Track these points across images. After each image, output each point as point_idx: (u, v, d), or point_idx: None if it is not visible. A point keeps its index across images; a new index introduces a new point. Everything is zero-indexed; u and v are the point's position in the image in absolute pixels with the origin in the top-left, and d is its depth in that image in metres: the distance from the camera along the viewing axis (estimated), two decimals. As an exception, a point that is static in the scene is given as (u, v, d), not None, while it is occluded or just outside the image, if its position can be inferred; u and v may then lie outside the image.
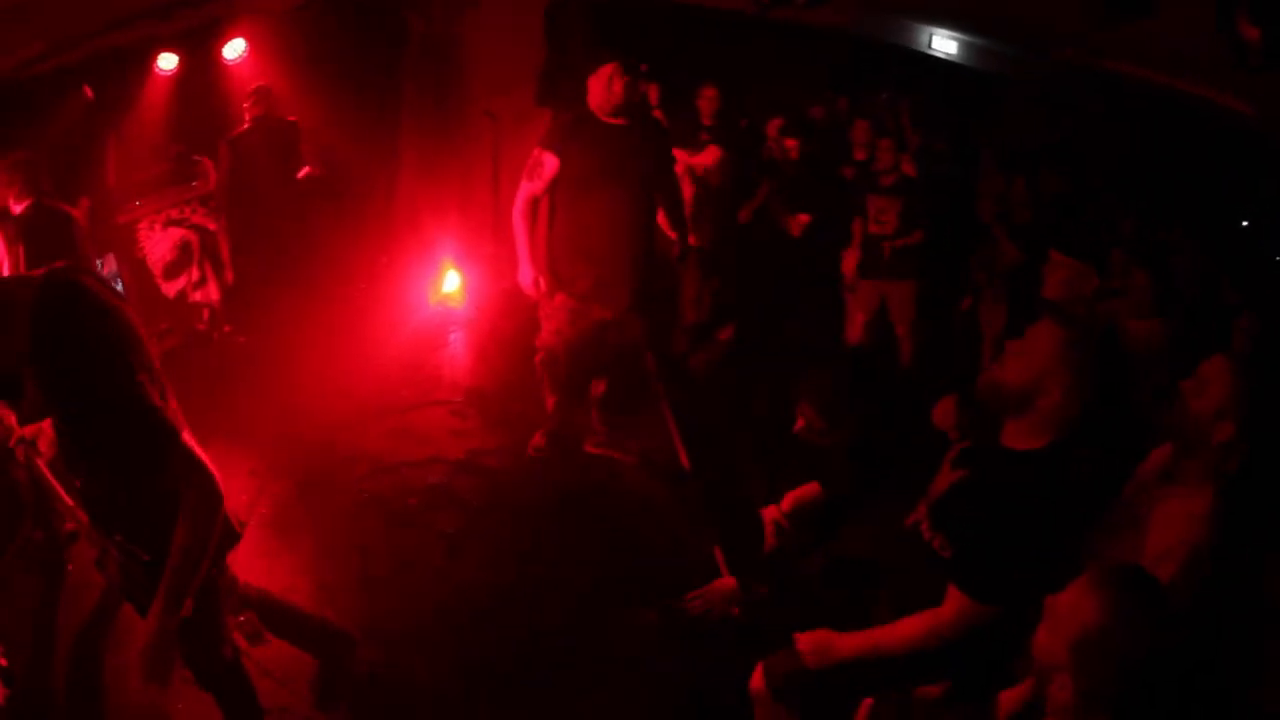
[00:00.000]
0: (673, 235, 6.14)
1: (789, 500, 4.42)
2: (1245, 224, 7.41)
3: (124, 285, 7.38)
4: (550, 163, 5.29)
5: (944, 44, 8.92)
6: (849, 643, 3.18)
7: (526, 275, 5.59)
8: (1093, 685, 2.21)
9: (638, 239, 5.57)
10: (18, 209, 5.22)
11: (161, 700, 4.17)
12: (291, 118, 7.50)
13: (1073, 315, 2.95)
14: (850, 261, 7.35)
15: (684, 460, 6.54)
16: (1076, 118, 8.46)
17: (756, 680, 3.49)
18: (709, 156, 7.64)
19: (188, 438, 2.83)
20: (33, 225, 5.21)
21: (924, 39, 9.05)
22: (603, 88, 5.19)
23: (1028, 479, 2.89)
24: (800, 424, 4.28)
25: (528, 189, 5.45)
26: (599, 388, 6.37)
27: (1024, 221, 7.09)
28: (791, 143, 7.23)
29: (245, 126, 7.32)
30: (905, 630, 3.07)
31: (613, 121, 5.28)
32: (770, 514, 4.44)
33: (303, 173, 7.42)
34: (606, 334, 5.74)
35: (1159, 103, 6.90)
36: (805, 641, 3.26)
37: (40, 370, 2.67)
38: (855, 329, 7.69)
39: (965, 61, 8.79)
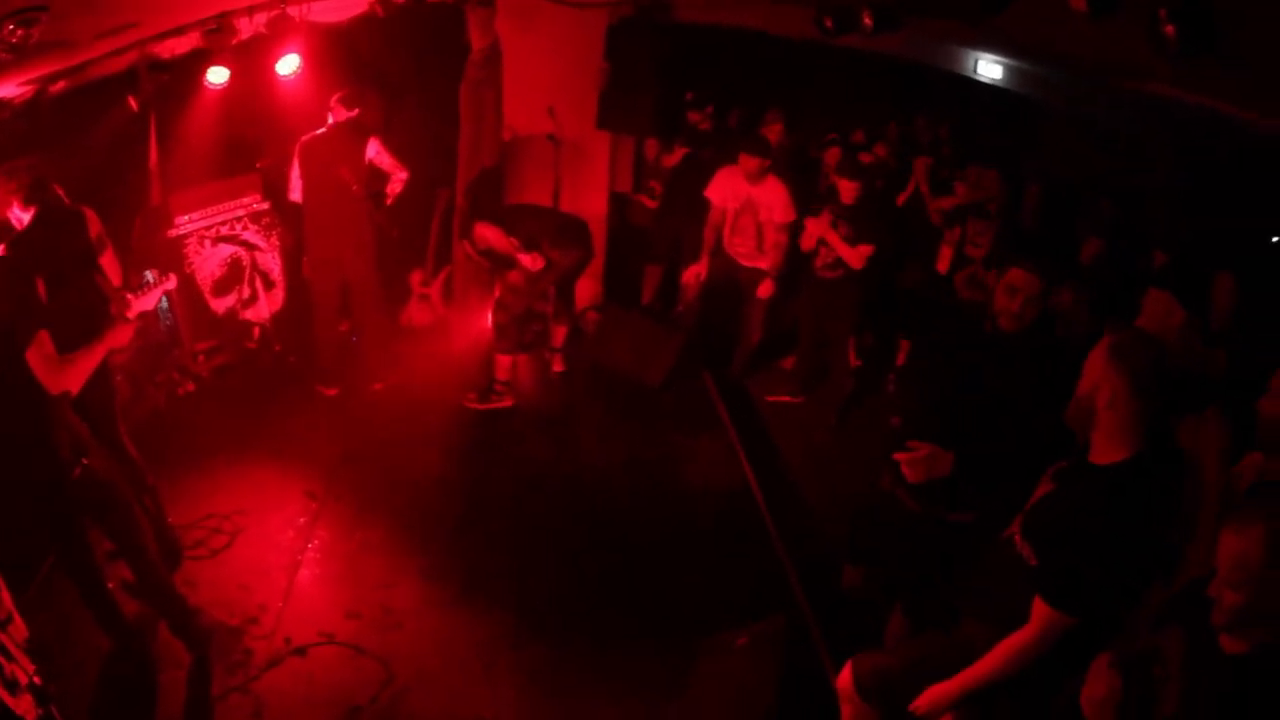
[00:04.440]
0: None
1: None
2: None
3: (171, 301, 7.29)
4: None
5: (989, 69, 8.89)
6: (953, 687, 3.29)
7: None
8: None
9: None
10: (26, 217, 4.78)
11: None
12: (370, 129, 7.35)
13: (1120, 327, 3.27)
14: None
15: (751, 480, 6.56)
16: (1128, 146, 8.44)
17: (844, 678, 3.70)
18: (771, 189, 7.63)
19: None
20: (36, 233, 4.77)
21: (969, 64, 9.03)
22: None
23: (1105, 492, 3.06)
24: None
25: None
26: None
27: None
28: (847, 185, 7.19)
29: (323, 131, 7.10)
30: (997, 660, 3.18)
31: None
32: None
33: (390, 184, 7.31)
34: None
35: (1216, 131, 6.86)
36: (922, 705, 3.37)
37: None
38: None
39: (1011, 86, 8.74)
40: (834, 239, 7.15)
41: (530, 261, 7.14)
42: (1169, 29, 3.40)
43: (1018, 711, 3.28)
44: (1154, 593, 3.25)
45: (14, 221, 4.77)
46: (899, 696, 3.47)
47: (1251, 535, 2.45)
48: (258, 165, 7.89)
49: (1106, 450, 3.10)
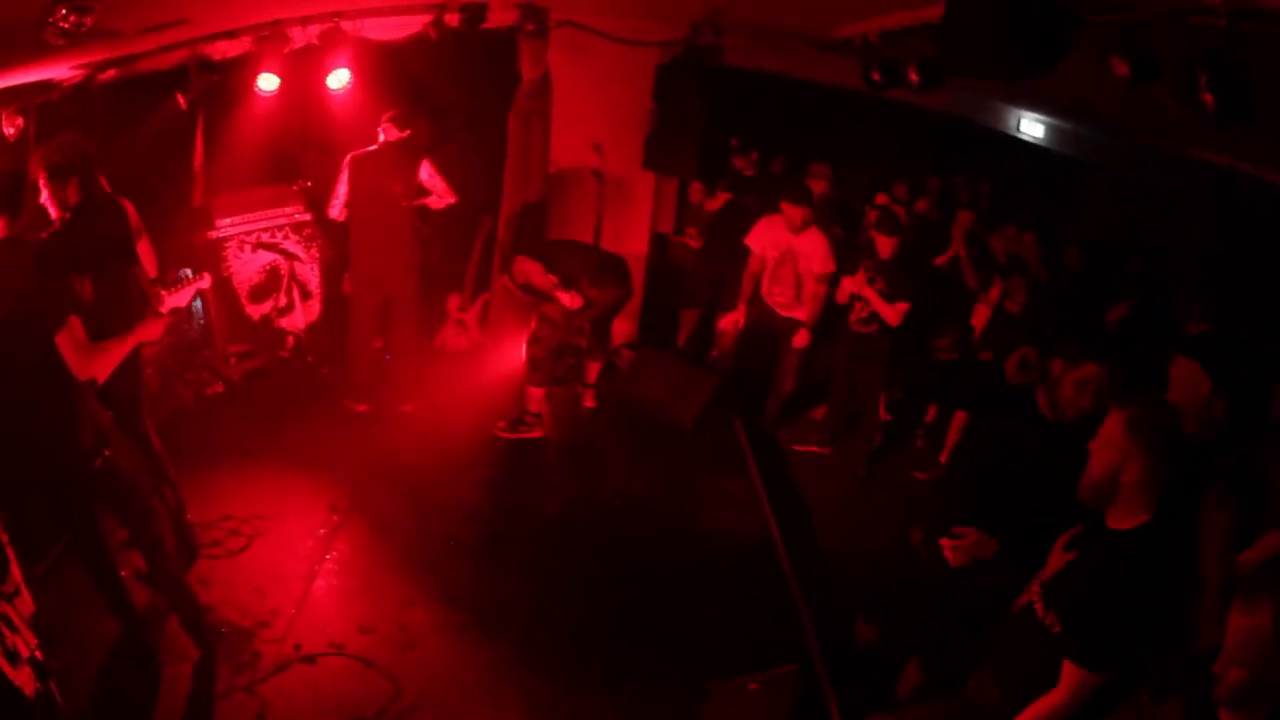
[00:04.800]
0: None
1: None
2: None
3: (205, 302, 7.33)
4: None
5: (1031, 128, 8.92)
6: None
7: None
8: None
9: None
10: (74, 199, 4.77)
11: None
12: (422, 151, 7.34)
13: (1132, 398, 3.17)
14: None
15: (772, 526, 6.52)
16: (1165, 206, 8.41)
17: None
18: (811, 239, 7.62)
19: None
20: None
21: (1012, 122, 9.06)
22: None
23: (1127, 554, 3.11)
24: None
25: None
26: None
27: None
28: (885, 241, 7.19)
29: (374, 148, 7.12)
30: None
31: None
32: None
33: (431, 199, 7.36)
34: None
35: (1256, 195, 6.80)
36: None
37: None
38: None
39: (1053, 145, 8.76)
40: (872, 295, 7.13)
41: (569, 300, 7.15)
42: (1208, 97, 3.37)
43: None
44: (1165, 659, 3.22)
45: (51, 207, 4.76)
46: None
47: (1261, 614, 2.44)
48: (295, 187, 7.96)
49: (1125, 515, 3.16)
